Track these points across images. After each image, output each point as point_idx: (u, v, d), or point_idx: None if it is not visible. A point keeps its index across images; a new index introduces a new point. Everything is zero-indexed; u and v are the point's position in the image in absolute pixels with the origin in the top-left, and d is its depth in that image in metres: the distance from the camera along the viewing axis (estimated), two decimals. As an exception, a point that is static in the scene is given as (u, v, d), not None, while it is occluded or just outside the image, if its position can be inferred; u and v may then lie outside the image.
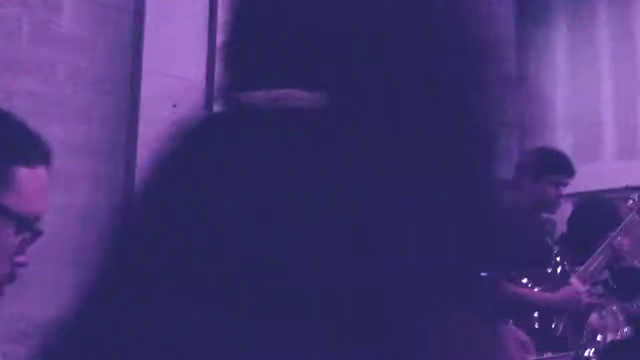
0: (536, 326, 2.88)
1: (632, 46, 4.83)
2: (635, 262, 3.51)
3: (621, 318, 3.37)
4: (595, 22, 5.00)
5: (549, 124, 5.13)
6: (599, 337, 3.13)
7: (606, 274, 3.41)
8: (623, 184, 4.31)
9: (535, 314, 2.91)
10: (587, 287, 3.04)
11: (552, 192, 3.06)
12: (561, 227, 3.75)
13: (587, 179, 4.70)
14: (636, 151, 4.77)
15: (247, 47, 0.55)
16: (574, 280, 3.00)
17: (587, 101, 5.00)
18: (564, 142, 5.03)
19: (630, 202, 3.37)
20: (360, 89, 0.49)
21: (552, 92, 5.15)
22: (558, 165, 3.14)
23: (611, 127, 4.89)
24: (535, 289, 2.94)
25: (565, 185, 3.12)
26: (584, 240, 3.32)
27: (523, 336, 2.42)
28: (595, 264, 3.11)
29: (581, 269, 3.08)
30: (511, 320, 2.80)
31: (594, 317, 3.28)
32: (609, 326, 3.28)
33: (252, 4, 0.56)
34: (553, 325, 2.95)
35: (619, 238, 3.17)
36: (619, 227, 3.22)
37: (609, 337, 3.31)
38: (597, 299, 3.11)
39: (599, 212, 3.52)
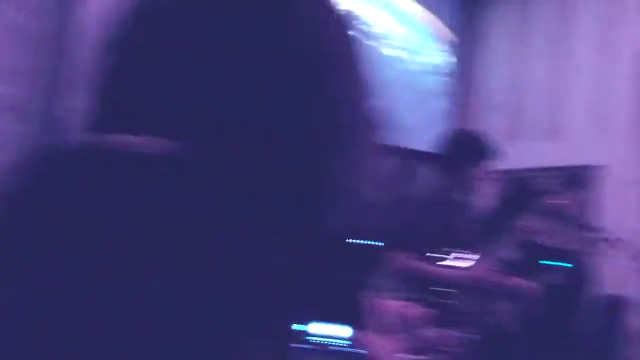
0: (446, 301, 2.94)
1: (566, 30, 4.99)
2: (544, 243, 3.69)
3: (538, 290, 3.59)
4: (533, 6, 5.19)
5: (484, 104, 5.33)
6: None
7: (517, 253, 3.56)
8: (547, 164, 4.48)
9: (446, 290, 2.96)
10: (493, 268, 3.11)
11: (477, 175, 3.15)
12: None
13: (514, 158, 4.92)
14: (562, 132, 4.92)
15: (117, 91, 0.56)
16: (483, 258, 3.08)
17: (521, 81, 5.15)
18: (497, 122, 5.23)
19: (545, 186, 3.47)
20: (216, 134, 0.51)
21: (490, 72, 5.35)
22: (485, 150, 3.19)
23: (541, 108, 5.04)
24: (448, 267, 3.01)
25: (488, 168, 3.17)
26: (498, 221, 3.47)
27: (418, 310, 2.36)
28: (505, 245, 3.26)
29: (491, 249, 3.20)
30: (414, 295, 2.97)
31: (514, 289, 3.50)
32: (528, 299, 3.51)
33: (129, 47, 0.56)
34: (461, 302, 3.01)
35: (529, 220, 3.29)
36: (530, 209, 3.36)
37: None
38: (504, 277, 3.20)
39: (513, 193, 3.60)
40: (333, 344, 0.90)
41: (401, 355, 2.48)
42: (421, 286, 2.99)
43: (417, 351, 2.42)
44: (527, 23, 5.15)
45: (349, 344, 0.86)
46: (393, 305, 2.51)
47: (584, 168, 4.68)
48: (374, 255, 2.33)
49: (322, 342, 0.90)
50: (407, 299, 2.70)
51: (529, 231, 3.36)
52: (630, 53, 4.65)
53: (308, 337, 0.90)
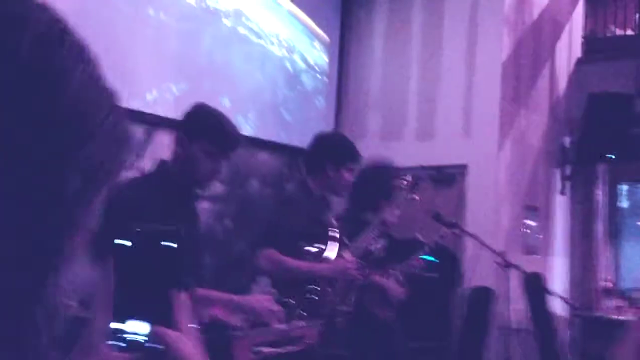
0: (311, 295, 3.04)
1: (439, 36, 5.21)
2: (409, 237, 3.87)
3: (401, 278, 3.79)
4: (411, 9, 5.41)
5: (362, 105, 5.52)
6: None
7: (381, 247, 3.73)
8: (420, 163, 4.70)
9: (307, 284, 3.04)
10: (355, 260, 3.21)
11: (348, 177, 3.25)
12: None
13: (390, 157, 5.10)
14: (432, 133, 5.15)
15: None
16: (345, 253, 3.20)
17: (396, 85, 5.34)
18: (373, 122, 5.41)
19: (404, 182, 3.58)
20: None
21: (368, 74, 5.54)
22: (355, 155, 3.30)
23: (414, 110, 5.25)
24: (312, 261, 3.07)
25: (351, 168, 3.27)
26: (361, 217, 3.58)
27: (272, 305, 2.46)
28: (367, 239, 3.36)
29: (354, 243, 3.30)
30: (273, 290, 2.98)
31: (379, 279, 3.67)
32: (393, 286, 3.69)
33: None
34: (326, 295, 3.09)
35: (390, 214, 3.45)
36: (390, 205, 3.47)
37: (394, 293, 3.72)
38: (364, 271, 3.29)
39: (374, 189, 3.75)
40: (138, 340, 0.93)
41: (258, 347, 2.55)
42: (285, 280, 3.09)
43: (273, 344, 2.50)
44: (403, 28, 5.36)
45: (148, 340, 0.90)
46: (250, 300, 2.56)
47: (451, 167, 4.94)
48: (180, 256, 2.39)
49: (128, 339, 0.93)
50: (267, 294, 2.78)
51: (393, 226, 3.51)
52: (495, 64, 4.94)
53: (120, 335, 0.92)
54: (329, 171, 3.25)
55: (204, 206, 4.58)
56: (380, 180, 3.75)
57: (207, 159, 2.43)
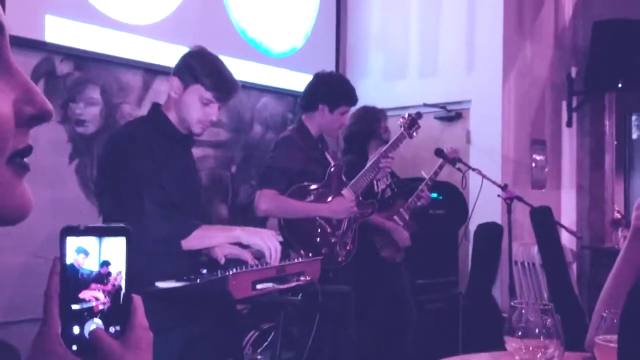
0: (319, 231, 3.12)
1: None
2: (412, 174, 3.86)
3: (407, 215, 3.82)
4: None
5: (363, 44, 5.43)
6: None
7: (383, 187, 3.76)
8: (424, 101, 4.62)
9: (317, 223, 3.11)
10: (355, 198, 3.25)
11: (342, 120, 3.29)
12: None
13: (393, 96, 5.08)
14: (436, 70, 5.08)
15: None
16: (345, 191, 3.25)
17: (397, 24, 5.25)
18: (375, 62, 5.37)
19: (401, 119, 3.57)
20: None
21: (367, 12, 5.44)
22: (351, 98, 3.31)
23: (416, 48, 5.17)
24: (311, 202, 3.12)
25: (348, 107, 3.30)
26: (356, 156, 3.64)
27: (275, 242, 2.37)
28: (366, 177, 3.34)
29: (352, 181, 3.30)
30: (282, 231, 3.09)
31: (388, 223, 3.69)
32: (400, 232, 3.73)
33: None
34: (329, 230, 3.15)
35: (387, 153, 3.43)
36: (388, 143, 3.48)
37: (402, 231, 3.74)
38: (365, 207, 3.36)
39: (370, 127, 3.78)
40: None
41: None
42: (286, 221, 3.11)
43: (274, 280, 2.50)
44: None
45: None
46: (258, 234, 2.54)
47: (456, 103, 4.89)
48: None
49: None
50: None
51: (393, 164, 3.50)
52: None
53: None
54: (322, 111, 3.25)
55: (209, 153, 4.61)
56: (369, 121, 3.78)
57: (200, 105, 2.42)
